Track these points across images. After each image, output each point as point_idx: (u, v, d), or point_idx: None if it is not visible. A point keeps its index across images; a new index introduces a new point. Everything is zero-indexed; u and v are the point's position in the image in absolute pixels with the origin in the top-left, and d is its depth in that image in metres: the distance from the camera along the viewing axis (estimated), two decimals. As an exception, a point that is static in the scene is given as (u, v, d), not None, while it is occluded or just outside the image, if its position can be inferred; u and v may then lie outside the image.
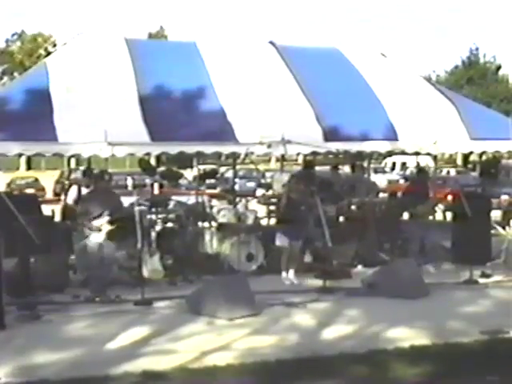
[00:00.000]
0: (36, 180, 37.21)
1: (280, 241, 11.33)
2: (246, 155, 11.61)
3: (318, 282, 10.66)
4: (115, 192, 11.21)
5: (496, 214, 15.15)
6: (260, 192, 21.72)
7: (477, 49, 56.90)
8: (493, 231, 13.41)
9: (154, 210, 11.99)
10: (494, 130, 12.41)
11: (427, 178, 13.70)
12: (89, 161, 13.06)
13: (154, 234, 11.61)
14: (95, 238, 9.90)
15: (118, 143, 10.48)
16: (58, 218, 12.23)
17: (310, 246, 11.97)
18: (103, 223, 9.96)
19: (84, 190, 11.60)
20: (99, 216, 10.00)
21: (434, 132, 12.24)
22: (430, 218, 13.57)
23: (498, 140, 12.40)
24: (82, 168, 26.70)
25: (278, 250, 12.12)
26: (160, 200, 12.86)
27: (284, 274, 11.25)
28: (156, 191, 16.77)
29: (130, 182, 30.43)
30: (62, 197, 19.14)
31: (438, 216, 18.05)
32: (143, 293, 9.56)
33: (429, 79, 16.92)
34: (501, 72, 58.01)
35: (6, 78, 62.70)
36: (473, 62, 56.52)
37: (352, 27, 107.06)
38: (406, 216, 13.31)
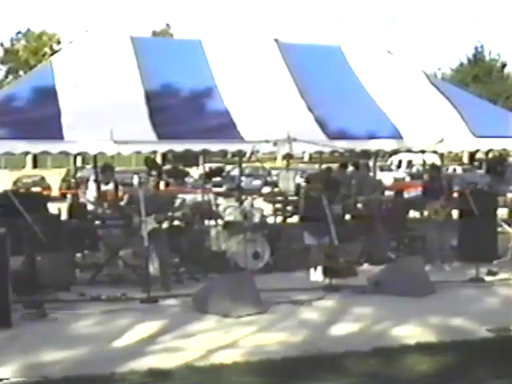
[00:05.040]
0: (42, 178, 37.19)
1: (308, 240, 11.39)
2: (252, 153, 11.59)
3: (325, 280, 10.71)
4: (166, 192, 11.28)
5: (502, 212, 15.12)
6: (266, 190, 21.71)
7: (482, 46, 56.82)
8: (499, 229, 13.39)
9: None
10: (500, 127, 12.35)
11: (440, 176, 13.52)
12: (95, 159, 13.07)
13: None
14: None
15: (123, 141, 10.50)
16: (64, 216, 12.23)
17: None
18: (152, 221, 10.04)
19: (103, 187, 11.67)
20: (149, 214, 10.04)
21: (439, 130, 12.20)
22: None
23: (504, 138, 12.35)
24: (88, 166, 26.79)
25: (284, 249, 12.16)
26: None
27: (312, 271, 11.27)
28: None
29: (135, 180, 30.43)
30: (69, 195, 19.16)
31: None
32: (149, 291, 9.58)
33: (433, 77, 16.86)
34: (506, 70, 57.85)
35: (11, 77, 62.67)
36: (478, 59, 56.39)
37: (359, 25, 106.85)
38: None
